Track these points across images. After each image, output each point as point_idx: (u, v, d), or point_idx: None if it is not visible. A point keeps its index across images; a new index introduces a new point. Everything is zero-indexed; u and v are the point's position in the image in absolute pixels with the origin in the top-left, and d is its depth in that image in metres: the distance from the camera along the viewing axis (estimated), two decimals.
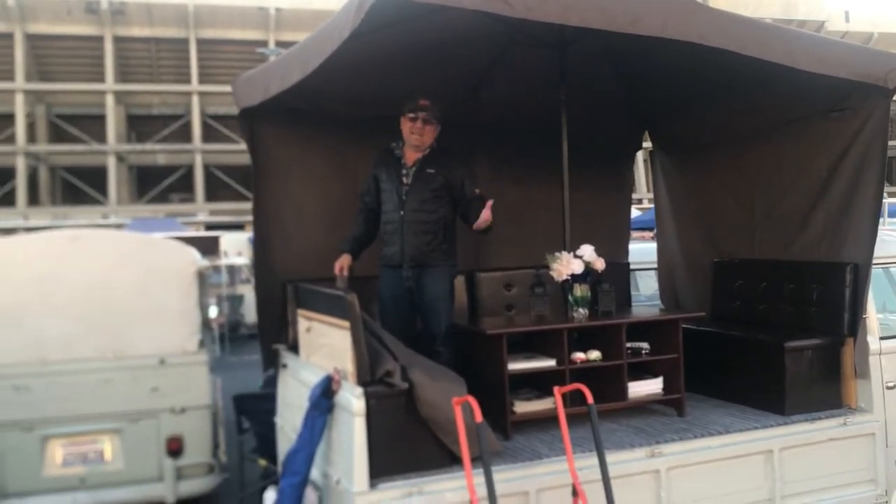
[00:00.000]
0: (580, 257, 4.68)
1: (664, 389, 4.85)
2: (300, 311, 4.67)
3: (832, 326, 4.85)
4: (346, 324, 3.85)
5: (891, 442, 4.80)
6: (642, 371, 4.95)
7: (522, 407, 4.51)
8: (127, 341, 6.18)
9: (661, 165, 6.32)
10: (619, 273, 6.03)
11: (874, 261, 5.09)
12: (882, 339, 4.90)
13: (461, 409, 3.61)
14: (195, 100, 32.06)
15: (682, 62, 4.83)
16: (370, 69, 4.78)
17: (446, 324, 4.75)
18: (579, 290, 4.70)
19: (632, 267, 6.38)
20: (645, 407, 4.98)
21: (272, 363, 5.10)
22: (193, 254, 6.72)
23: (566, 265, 4.64)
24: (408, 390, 3.82)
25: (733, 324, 5.49)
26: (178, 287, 6.32)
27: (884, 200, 5.99)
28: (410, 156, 4.87)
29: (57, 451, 6.02)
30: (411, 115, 4.78)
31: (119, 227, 23.06)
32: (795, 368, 4.72)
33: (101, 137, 30.52)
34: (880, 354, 4.84)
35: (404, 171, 4.85)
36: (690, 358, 5.08)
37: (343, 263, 4.82)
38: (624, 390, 4.70)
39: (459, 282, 5.58)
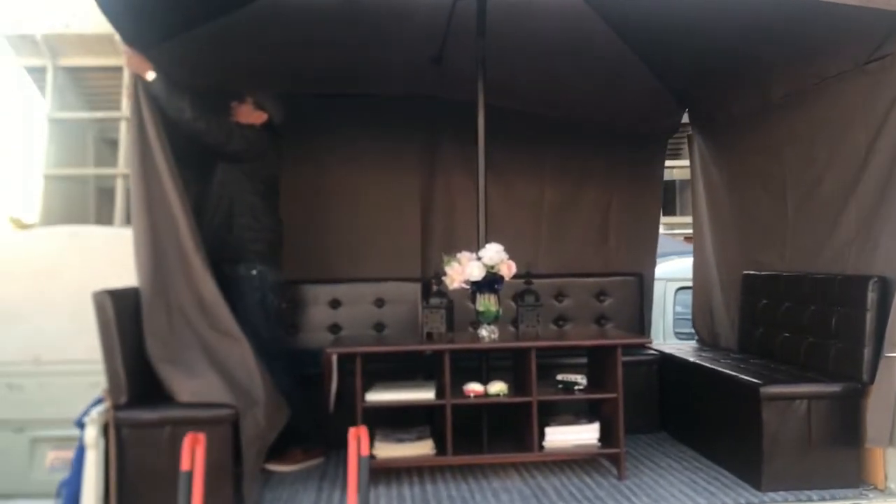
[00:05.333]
0: (479, 259, 3.58)
1: (602, 440, 3.60)
2: None
3: (848, 367, 3.35)
4: None
5: None
6: (584, 413, 3.76)
7: (385, 450, 3.52)
8: None
9: (698, 150, 4.91)
10: (628, 288, 4.79)
11: None
12: None
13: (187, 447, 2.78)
14: None
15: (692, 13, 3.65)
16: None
17: (256, 341, 3.59)
18: (482, 303, 3.62)
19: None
20: (595, 459, 3.77)
21: None
22: None
23: (459, 270, 3.57)
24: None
25: (737, 359, 4.03)
26: None
27: None
28: None
29: (45, 455, 5.88)
30: None
31: None
32: (778, 425, 3.28)
33: None
34: None
35: None
36: (675, 396, 3.83)
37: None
38: (533, 438, 3.53)
39: (412, 289, 4.69)
